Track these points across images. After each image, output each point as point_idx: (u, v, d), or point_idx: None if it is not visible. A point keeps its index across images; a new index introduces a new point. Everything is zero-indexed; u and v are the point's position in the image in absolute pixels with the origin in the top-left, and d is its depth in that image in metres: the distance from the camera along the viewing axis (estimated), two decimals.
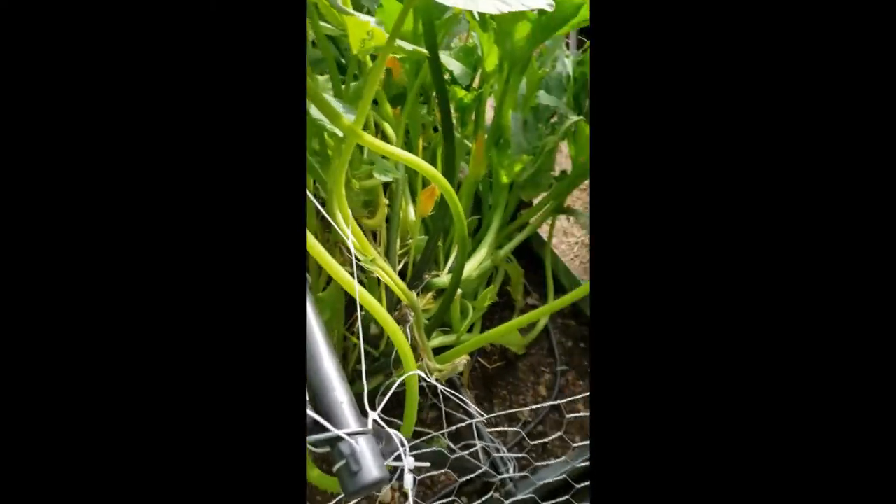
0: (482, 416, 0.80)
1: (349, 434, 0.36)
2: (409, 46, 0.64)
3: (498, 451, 0.92)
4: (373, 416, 0.41)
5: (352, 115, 0.55)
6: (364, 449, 0.36)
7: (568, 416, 0.95)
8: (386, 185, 1.01)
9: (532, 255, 1.30)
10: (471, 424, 0.95)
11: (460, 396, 0.63)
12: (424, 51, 0.66)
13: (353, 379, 0.93)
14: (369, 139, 0.54)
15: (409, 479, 0.49)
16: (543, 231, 1.23)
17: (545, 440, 0.99)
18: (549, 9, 0.62)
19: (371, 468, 0.35)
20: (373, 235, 0.87)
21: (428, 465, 0.52)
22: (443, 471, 0.95)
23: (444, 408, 0.77)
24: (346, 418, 0.37)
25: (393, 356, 0.89)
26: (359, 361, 0.90)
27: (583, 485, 0.80)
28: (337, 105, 0.54)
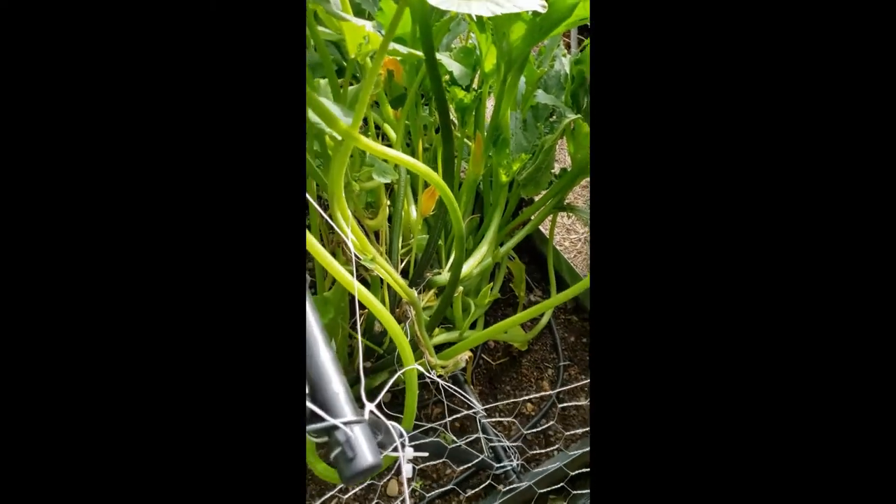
0: (482, 410, 0.81)
1: (345, 423, 0.37)
2: (403, 49, 0.66)
3: (501, 443, 0.93)
4: (369, 406, 0.43)
5: (349, 118, 0.57)
6: (359, 437, 0.37)
7: (561, 404, 0.96)
8: (390, 187, 1.03)
9: (535, 253, 1.31)
10: (475, 419, 0.96)
11: (458, 390, 0.64)
12: (419, 53, 0.67)
13: (359, 376, 0.95)
14: (365, 142, 0.56)
15: (407, 469, 0.51)
16: (547, 228, 1.24)
17: (539, 428, 1.00)
18: (541, 10, 0.63)
19: (366, 455, 0.37)
20: (376, 236, 0.89)
21: (426, 454, 0.54)
22: (441, 463, 0.97)
23: (446, 402, 0.78)
24: (343, 409, 0.39)
25: (396, 353, 0.91)
26: (365, 359, 0.92)
27: (578, 471, 0.82)
28: (334, 109, 0.56)
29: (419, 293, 0.92)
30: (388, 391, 1.06)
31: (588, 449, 0.82)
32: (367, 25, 0.62)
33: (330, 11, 0.62)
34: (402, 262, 0.97)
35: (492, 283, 1.05)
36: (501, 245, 1.06)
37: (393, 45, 0.65)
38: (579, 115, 0.99)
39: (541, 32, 0.80)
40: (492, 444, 0.87)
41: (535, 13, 0.78)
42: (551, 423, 1.05)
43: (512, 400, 0.96)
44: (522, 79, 1.03)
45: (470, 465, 0.70)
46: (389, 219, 0.93)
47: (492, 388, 1.11)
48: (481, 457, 0.68)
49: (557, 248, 1.50)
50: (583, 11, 0.77)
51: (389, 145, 0.94)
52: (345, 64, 0.88)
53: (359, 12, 0.94)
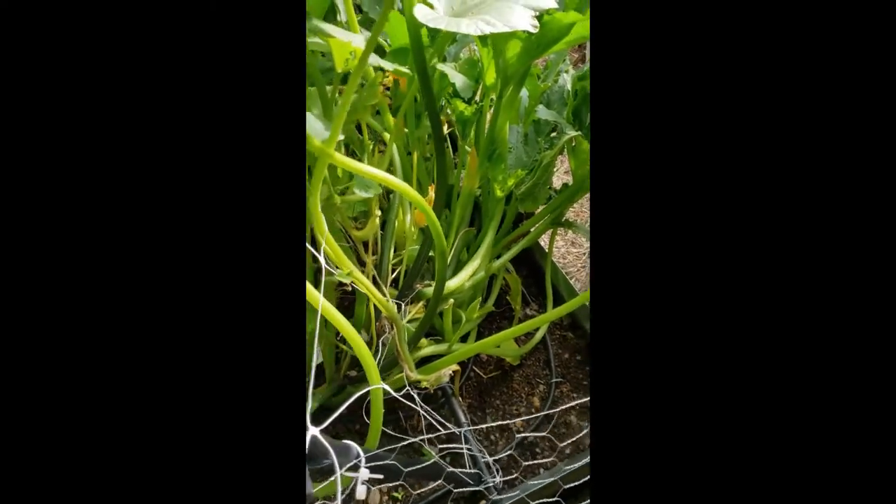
0: (460, 430, 0.81)
1: None
2: (388, 65, 0.66)
3: (485, 459, 0.93)
4: (313, 431, 0.43)
5: (327, 133, 0.57)
6: None
7: (549, 431, 0.95)
8: (388, 193, 1.03)
9: (534, 266, 1.30)
10: (460, 433, 0.96)
11: (427, 409, 0.64)
12: (403, 69, 0.67)
13: (343, 385, 0.95)
14: (340, 159, 0.56)
15: (360, 490, 0.51)
16: (547, 242, 1.23)
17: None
18: (532, 30, 0.63)
19: None
20: (365, 246, 0.89)
21: (381, 476, 0.54)
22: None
23: (423, 415, 0.78)
24: None
25: (383, 363, 0.91)
26: (350, 368, 0.92)
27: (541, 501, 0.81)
28: (313, 123, 0.56)
29: (407, 304, 0.92)
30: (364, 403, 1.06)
31: (556, 478, 0.81)
32: (353, 41, 0.62)
33: (317, 29, 0.62)
34: (393, 272, 0.97)
35: (480, 297, 1.05)
36: (498, 258, 1.06)
37: (375, 61, 0.65)
38: (580, 133, 0.98)
39: (537, 50, 0.80)
40: (474, 465, 0.86)
41: (530, 32, 0.77)
42: (539, 441, 1.04)
43: (499, 423, 0.96)
44: (525, 93, 1.02)
45: (438, 482, 0.70)
46: (384, 227, 0.94)
47: (481, 401, 1.10)
48: (441, 480, 0.68)
49: (561, 261, 1.48)
50: (582, 30, 0.76)
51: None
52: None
53: (366, 20, 0.94)
